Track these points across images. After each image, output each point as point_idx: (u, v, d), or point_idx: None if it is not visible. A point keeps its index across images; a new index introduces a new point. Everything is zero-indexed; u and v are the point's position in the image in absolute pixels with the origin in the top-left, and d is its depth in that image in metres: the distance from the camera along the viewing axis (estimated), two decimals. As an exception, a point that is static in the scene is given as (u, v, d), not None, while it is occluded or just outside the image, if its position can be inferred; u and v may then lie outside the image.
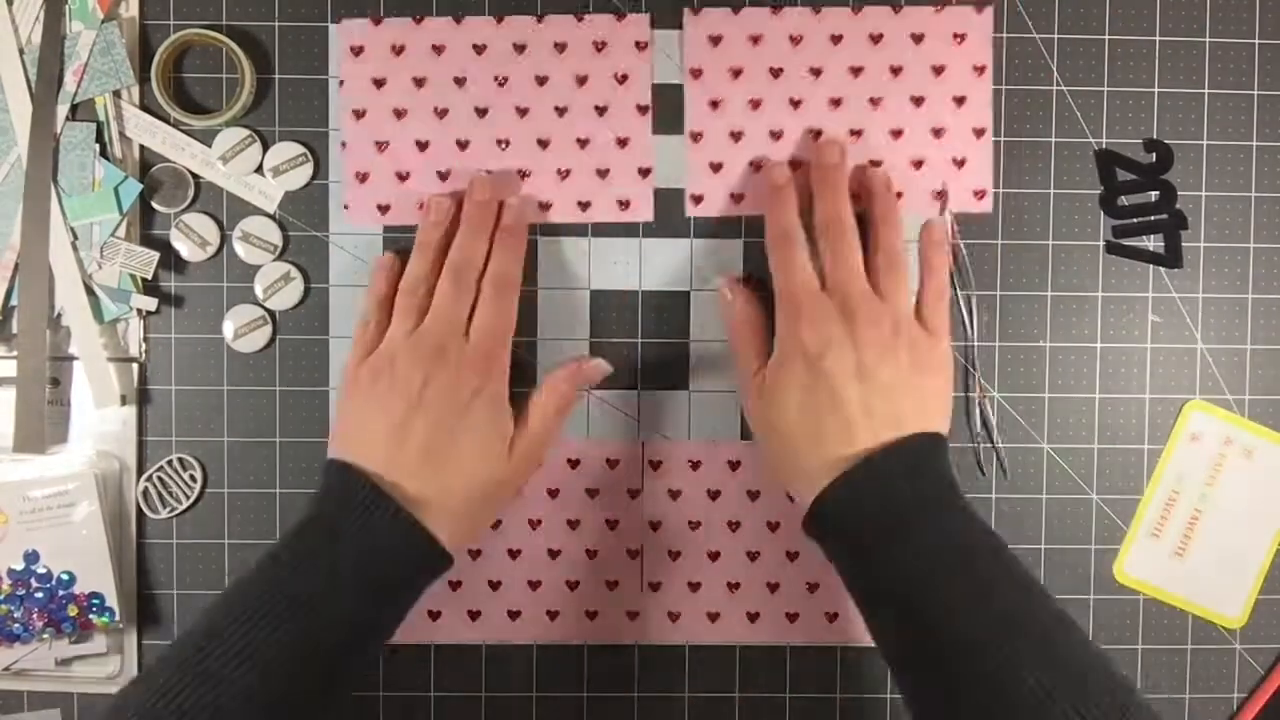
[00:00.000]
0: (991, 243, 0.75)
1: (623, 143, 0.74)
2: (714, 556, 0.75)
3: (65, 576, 0.71)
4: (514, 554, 0.74)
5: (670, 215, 0.74)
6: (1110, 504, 0.75)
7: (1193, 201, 0.75)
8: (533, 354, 0.74)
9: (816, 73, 0.74)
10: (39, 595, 0.71)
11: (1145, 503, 0.75)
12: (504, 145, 0.74)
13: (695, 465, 0.75)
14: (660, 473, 0.75)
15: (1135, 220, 0.75)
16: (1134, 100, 0.75)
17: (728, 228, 0.74)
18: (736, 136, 0.74)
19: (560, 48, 0.74)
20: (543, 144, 0.74)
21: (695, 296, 0.74)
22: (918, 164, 0.74)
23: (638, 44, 0.74)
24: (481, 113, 0.74)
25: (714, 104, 0.74)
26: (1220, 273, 0.75)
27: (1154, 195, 0.75)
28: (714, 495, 0.75)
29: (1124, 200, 0.75)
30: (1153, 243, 0.75)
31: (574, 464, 0.74)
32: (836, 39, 0.74)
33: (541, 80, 0.74)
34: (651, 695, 0.75)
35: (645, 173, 0.74)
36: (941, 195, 0.73)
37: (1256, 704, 0.75)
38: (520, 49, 0.74)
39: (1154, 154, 0.75)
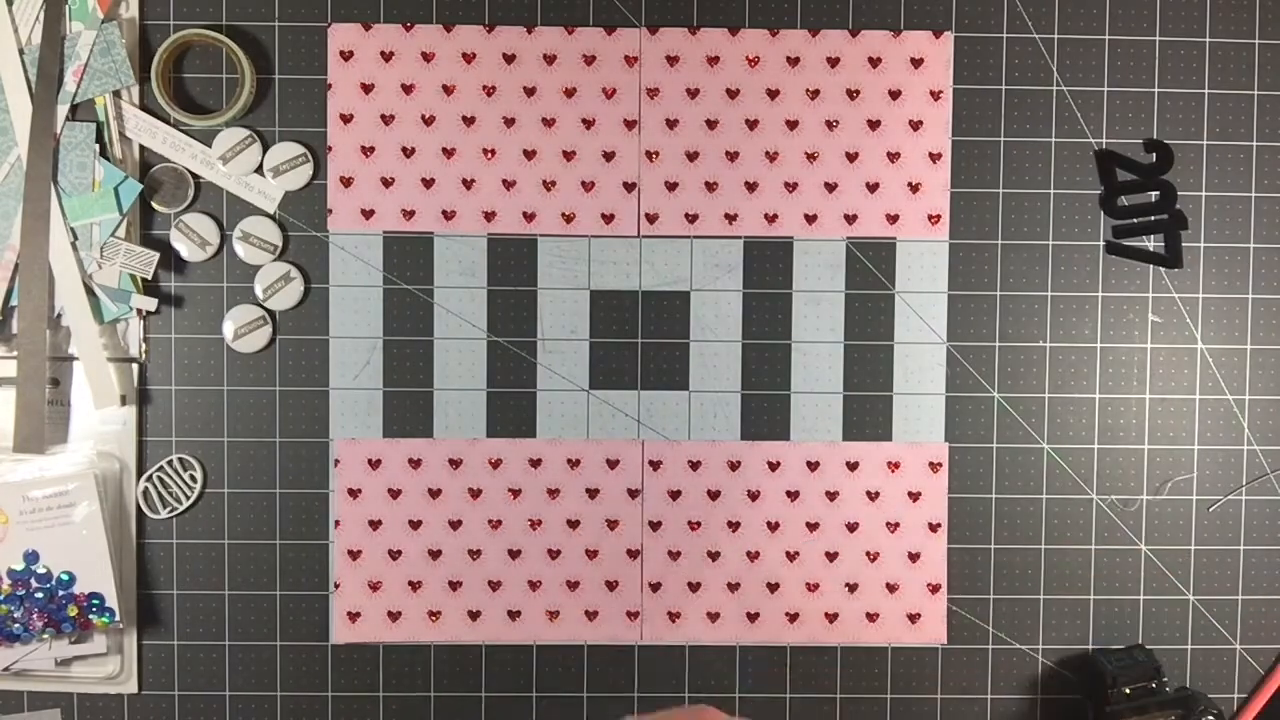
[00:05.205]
0: (991, 243, 0.75)
1: (609, 156, 0.74)
2: (714, 556, 0.75)
3: (65, 576, 0.71)
4: (514, 554, 0.75)
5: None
6: (1110, 504, 0.75)
7: (1193, 201, 0.75)
8: (533, 354, 0.74)
9: (773, 94, 0.74)
10: (39, 595, 0.71)
11: None
12: (490, 155, 0.74)
13: (695, 465, 0.75)
14: (660, 473, 0.75)
15: (1135, 220, 0.75)
16: (1134, 100, 0.75)
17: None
18: (692, 156, 0.74)
19: (550, 59, 0.74)
20: (529, 155, 0.74)
21: (695, 296, 0.75)
22: (873, 187, 0.74)
23: (627, 58, 0.74)
24: (469, 121, 0.74)
25: (670, 123, 0.74)
26: (1220, 273, 0.75)
27: (1154, 195, 0.75)
28: (714, 495, 0.75)
29: (1124, 200, 0.75)
30: (1153, 243, 0.75)
31: (574, 464, 0.74)
32: (794, 61, 0.74)
33: (530, 91, 0.74)
34: (651, 695, 0.75)
35: (630, 187, 0.74)
36: None
37: (1256, 704, 0.75)
38: (510, 59, 0.74)
39: (1154, 154, 0.75)
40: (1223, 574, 0.75)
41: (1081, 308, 0.75)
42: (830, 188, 0.74)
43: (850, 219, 0.74)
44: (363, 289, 0.74)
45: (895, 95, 0.74)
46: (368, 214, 0.74)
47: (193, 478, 0.74)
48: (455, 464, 0.74)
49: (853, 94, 0.74)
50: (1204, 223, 0.75)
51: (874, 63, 0.74)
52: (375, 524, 0.74)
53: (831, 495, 0.75)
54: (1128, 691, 0.72)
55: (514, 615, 0.75)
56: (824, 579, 0.75)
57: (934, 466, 0.75)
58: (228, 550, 0.74)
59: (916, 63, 0.74)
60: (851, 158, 0.74)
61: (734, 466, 0.75)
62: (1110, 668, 0.72)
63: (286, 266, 0.73)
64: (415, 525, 0.74)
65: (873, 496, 0.75)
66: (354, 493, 0.74)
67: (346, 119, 0.73)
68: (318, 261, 0.74)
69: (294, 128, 0.74)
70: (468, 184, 0.74)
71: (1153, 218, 0.75)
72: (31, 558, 0.71)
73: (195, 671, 0.74)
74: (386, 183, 0.74)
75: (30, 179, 0.71)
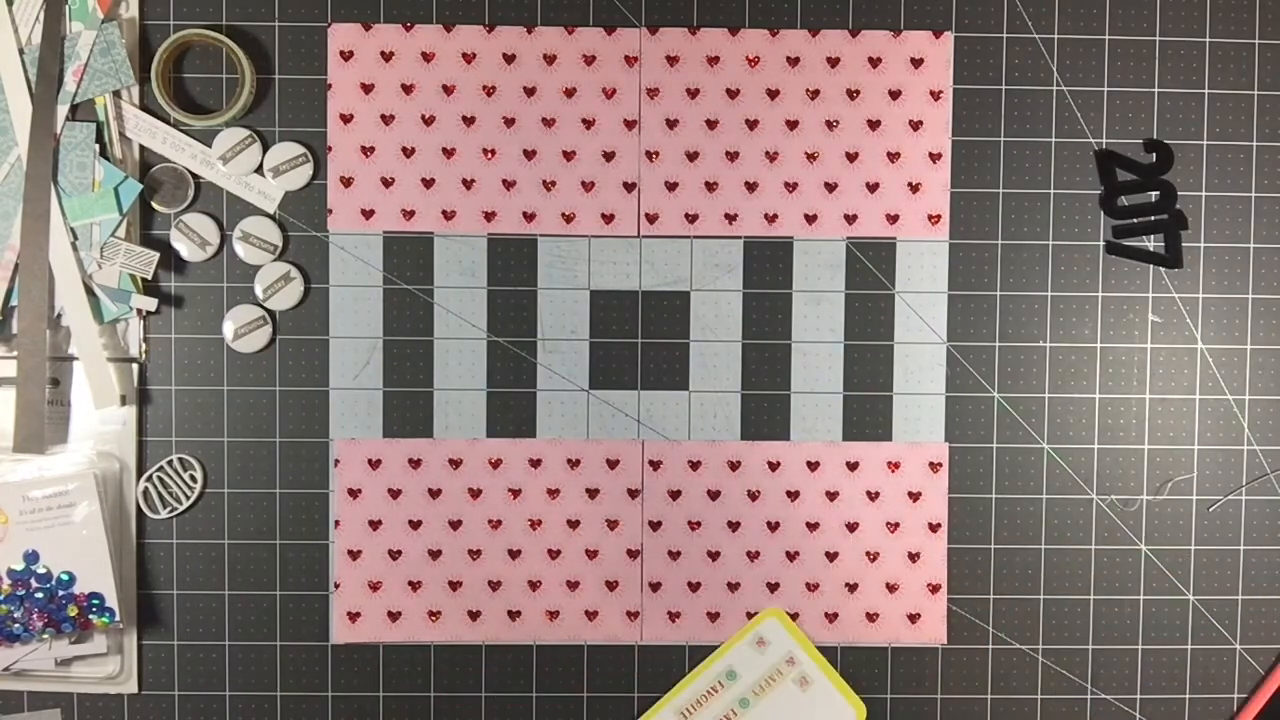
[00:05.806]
0: (991, 243, 0.75)
1: (609, 156, 0.74)
2: (714, 556, 0.75)
3: (65, 576, 0.71)
4: (514, 554, 0.75)
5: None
6: (1110, 504, 0.75)
7: (1193, 201, 0.75)
8: (533, 354, 0.74)
9: (773, 94, 0.74)
10: (39, 595, 0.71)
11: (686, 683, 0.73)
12: (490, 155, 0.74)
13: (695, 465, 0.75)
14: (660, 473, 0.75)
15: (1135, 220, 0.75)
16: (1134, 100, 0.75)
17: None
18: (692, 156, 0.74)
19: (550, 59, 0.74)
20: (529, 155, 0.74)
21: (695, 296, 0.75)
22: (873, 187, 0.74)
23: (627, 58, 0.74)
24: (469, 121, 0.74)
25: (670, 123, 0.74)
26: (1220, 273, 0.75)
27: (1154, 195, 0.75)
28: (714, 495, 0.75)
29: (1124, 200, 0.75)
30: (1153, 243, 0.75)
31: (574, 464, 0.74)
32: (794, 61, 0.74)
33: (530, 91, 0.74)
34: (651, 695, 0.75)
35: (630, 187, 0.74)
36: None
37: (1256, 704, 0.75)
38: (510, 59, 0.74)
39: (1154, 154, 0.75)
40: (1223, 574, 0.75)
41: (1081, 308, 0.75)
42: (830, 188, 0.74)
43: (850, 219, 0.74)
44: (363, 289, 0.74)
45: (895, 95, 0.74)
46: (368, 214, 0.74)
47: (193, 478, 0.74)
48: (455, 464, 0.74)
49: (853, 94, 0.74)
50: (1204, 223, 0.75)
51: (874, 63, 0.74)
52: (375, 524, 0.74)
53: (831, 495, 0.75)
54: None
55: (514, 615, 0.75)
56: (824, 579, 0.75)
57: (934, 466, 0.75)
58: (228, 550, 0.74)
59: (916, 63, 0.74)
60: (851, 158, 0.74)
61: (734, 466, 0.75)
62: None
63: (286, 266, 0.73)
64: (415, 525, 0.74)
65: (873, 496, 0.75)
66: (354, 493, 0.74)
67: (346, 119, 0.74)
68: (318, 261, 0.74)
69: (294, 128, 0.74)
70: (468, 184, 0.74)
71: (1153, 218, 0.75)
72: (31, 558, 0.71)
73: (195, 671, 0.74)
74: (386, 183, 0.74)
75: (30, 179, 0.71)
